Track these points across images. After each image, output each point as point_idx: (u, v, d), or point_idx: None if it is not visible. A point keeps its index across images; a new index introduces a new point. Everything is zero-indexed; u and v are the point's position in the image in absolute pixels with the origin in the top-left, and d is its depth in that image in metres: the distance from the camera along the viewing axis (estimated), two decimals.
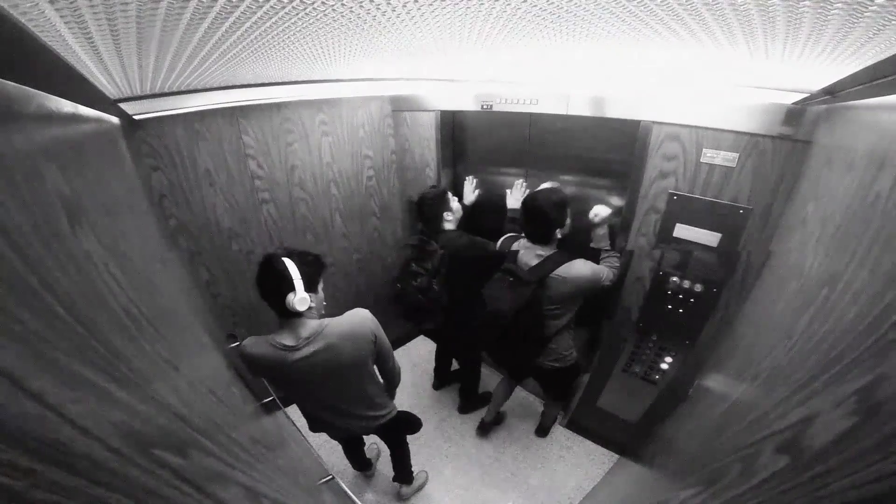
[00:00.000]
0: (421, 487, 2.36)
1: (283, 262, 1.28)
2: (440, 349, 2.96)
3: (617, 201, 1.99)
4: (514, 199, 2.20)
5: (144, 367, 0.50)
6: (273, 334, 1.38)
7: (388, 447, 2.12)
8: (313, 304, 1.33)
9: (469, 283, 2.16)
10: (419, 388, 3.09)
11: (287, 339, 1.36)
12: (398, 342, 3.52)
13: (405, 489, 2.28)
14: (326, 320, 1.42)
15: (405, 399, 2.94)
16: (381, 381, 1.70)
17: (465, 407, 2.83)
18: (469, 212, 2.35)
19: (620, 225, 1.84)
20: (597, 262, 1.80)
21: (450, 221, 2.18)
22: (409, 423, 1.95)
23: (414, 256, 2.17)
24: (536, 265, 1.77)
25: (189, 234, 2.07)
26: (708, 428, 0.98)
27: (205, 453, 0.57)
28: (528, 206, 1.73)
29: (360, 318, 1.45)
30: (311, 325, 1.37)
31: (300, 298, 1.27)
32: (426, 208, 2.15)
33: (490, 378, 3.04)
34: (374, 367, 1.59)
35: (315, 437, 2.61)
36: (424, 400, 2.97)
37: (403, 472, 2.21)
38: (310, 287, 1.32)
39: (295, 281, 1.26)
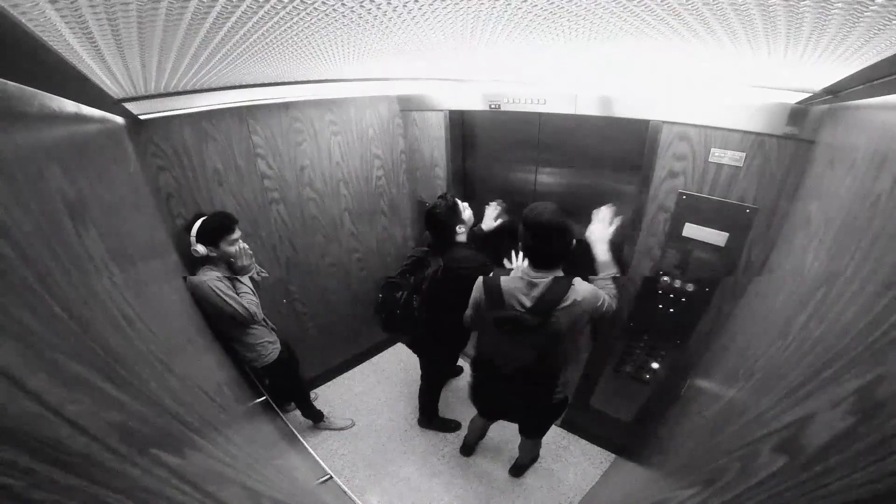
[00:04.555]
0: (340, 428, 2.69)
1: (194, 221, 1.78)
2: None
3: (623, 206, 1.85)
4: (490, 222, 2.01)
5: (141, 368, 0.50)
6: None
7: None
8: (211, 255, 1.78)
9: (459, 306, 1.98)
10: (401, 396, 3.01)
11: None
12: (377, 348, 3.45)
13: (321, 423, 2.66)
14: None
15: (384, 410, 2.89)
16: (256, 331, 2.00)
17: (423, 420, 2.72)
18: (484, 235, 2.21)
19: (632, 226, 1.81)
20: None
21: (462, 234, 1.96)
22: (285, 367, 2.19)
23: (407, 268, 2.05)
24: (539, 299, 1.43)
25: None
26: (704, 427, 0.98)
27: (201, 453, 0.58)
28: (535, 222, 1.41)
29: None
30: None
31: (193, 249, 1.75)
32: (437, 222, 1.93)
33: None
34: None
35: (313, 437, 2.65)
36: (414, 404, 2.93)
37: (304, 410, 2.57)
38: (206, 242, 1.76)
39: (191, 235, 1.75)
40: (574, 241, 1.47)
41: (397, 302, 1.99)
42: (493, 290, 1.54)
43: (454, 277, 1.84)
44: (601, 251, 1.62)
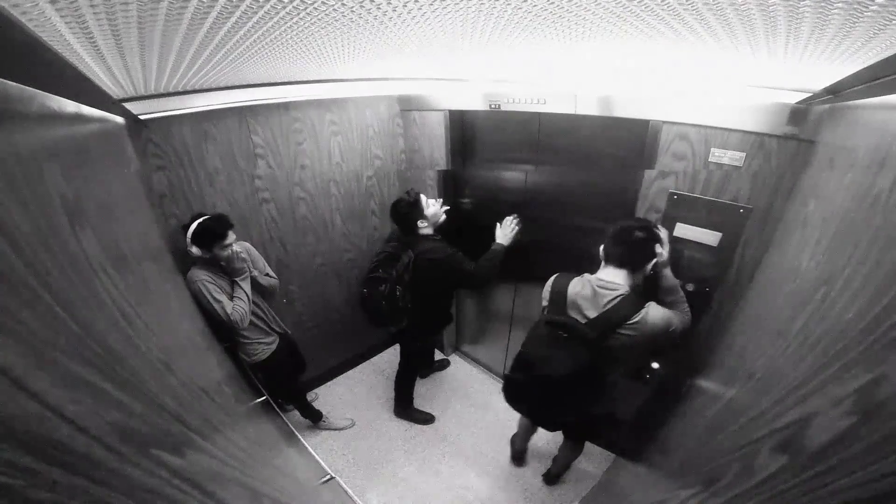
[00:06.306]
0: (340, 428, 2.68)
1: (192, 221, 1.78)
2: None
3: (620, 206, 1.93)
4: (503, 234, 2.08)
5: (141, 368, 0.50)
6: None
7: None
8: (205, 256, 1.79)
9: (434, 294, 2.17)
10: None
11: None
12: (377, 348, 3.43)
13: (320, 423, 2.67)
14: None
15: (384, 410, 2.87)
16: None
17: (398, 410, 2.77)
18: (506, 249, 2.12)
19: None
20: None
21: (425, 227, 2.10)
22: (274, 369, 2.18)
23: (381, 262, 2.16)
24: (602, 315, 1.40)
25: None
26: (704, 427, 0.98)
27: (202, 453, 0.58)
28: (621, 226, 1.47)
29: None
30: None
31: (188, 249, 1.78)
32: (399, 215, 2.09)
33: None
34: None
35: (313, 436, 2.65)
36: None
37: (301, 411, 2.58)
38: (199, 245, 1.77)
39: (187, 237, 1.77)
40: (656, 254, 1.45)
41: (382, 295, 2.09)
42: (558, 294, 1.52)
43: (424, 267, 2.04)
44: (667, 275, 1.54)
